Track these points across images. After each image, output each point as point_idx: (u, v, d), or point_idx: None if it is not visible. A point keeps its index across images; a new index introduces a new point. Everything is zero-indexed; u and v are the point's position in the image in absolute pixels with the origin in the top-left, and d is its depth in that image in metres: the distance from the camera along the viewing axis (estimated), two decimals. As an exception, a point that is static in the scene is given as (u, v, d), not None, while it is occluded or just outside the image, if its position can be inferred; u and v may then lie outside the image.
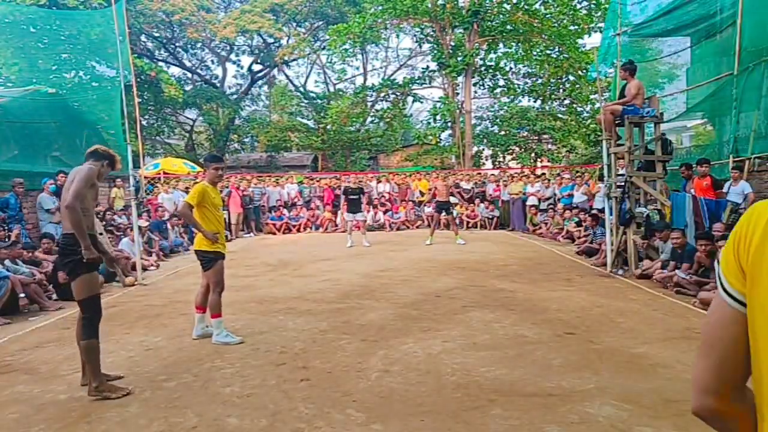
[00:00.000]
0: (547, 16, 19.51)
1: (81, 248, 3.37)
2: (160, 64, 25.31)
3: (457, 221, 13.27)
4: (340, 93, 27.55)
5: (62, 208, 3.45)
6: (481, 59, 21.65)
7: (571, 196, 13.13)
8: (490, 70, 22.20)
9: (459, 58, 19.92)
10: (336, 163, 26.75)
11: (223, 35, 23.24)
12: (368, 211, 14.12)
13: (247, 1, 25.39)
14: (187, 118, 29.24)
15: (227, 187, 14.03)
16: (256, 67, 29.06)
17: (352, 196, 11.57)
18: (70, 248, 3.43)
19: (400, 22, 21.77)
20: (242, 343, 4.50)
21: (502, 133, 22.75)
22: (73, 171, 3.52)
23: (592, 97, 19.52)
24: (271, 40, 26.54)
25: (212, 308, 4.60)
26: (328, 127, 23.80)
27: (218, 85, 28.60)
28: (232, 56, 29.16)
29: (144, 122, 23.45)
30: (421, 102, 24.47)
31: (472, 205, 15.47)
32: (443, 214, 12.04)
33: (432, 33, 21.98)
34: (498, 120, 23.38)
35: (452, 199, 13.29)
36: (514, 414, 3.02)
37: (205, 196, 4.57)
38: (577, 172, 15.82)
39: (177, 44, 26.73)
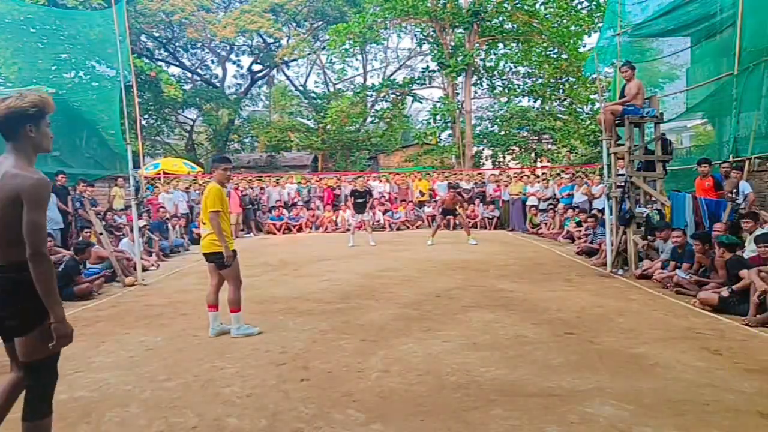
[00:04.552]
0: (547, 16, 19.50)
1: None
2: (160, 64, 25.32)
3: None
4: (340, 93, 27.55)
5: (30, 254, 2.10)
6: (481, 59, 21.64)
7: (571, 196, 13.14)
8: (490, 70, 22.19)
9: (459, 59, 19.90)
10: (336, 163, 26.75)
11: (223, 35, 23.25)
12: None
13: (247, 1, 25.40)
14: (187, 118, 29.27)
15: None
16: (256, 67, 29.08)
17: (359, 200, 11.60)
18: (23, 287, 2.15)
19: (400, 22, 21.77)
20: (261, 333, 4.70)
21: (502, 133, 22.75)
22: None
23: (592, 97, 19.52)
24: (271, 40, 26.55)
25: (233, 303, 4.70)
26: (328, 127, 23.80)
27: (218, 85, 28.62)
28: (232, 56, 29.20)
29: (144, 122, 23.46)
30: (421, 102, 24.48)
31: (472, 205, 15.47)
32: (448, 216, 12.21)
33: (432, 33, 21.97)
34: (498, 120, 23.38)
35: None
36: (514, 414, 3.02)
37: (223, 197, 4.68)
38: (577, 172, 15.80)
39: (177, 44, 26.74)
